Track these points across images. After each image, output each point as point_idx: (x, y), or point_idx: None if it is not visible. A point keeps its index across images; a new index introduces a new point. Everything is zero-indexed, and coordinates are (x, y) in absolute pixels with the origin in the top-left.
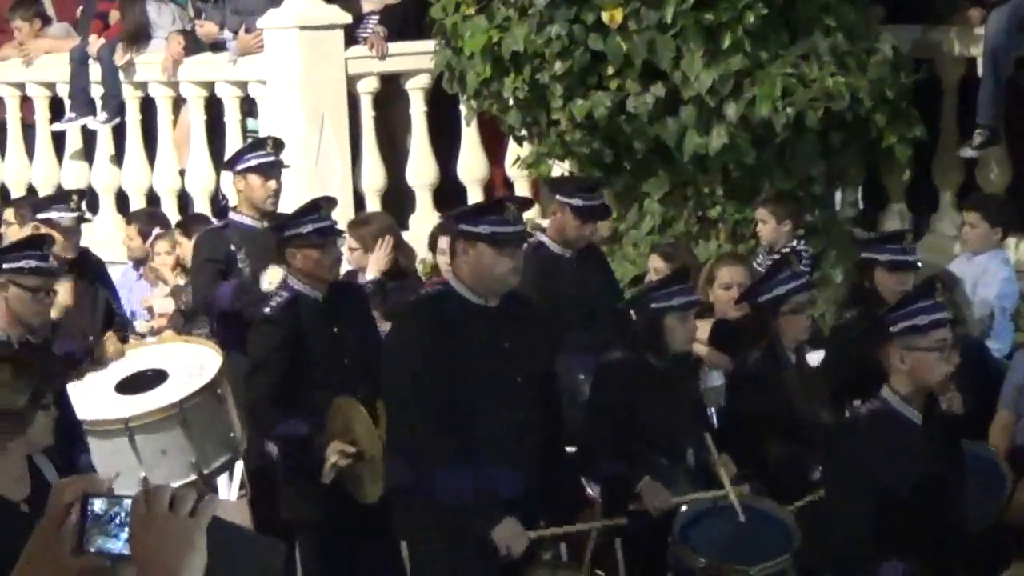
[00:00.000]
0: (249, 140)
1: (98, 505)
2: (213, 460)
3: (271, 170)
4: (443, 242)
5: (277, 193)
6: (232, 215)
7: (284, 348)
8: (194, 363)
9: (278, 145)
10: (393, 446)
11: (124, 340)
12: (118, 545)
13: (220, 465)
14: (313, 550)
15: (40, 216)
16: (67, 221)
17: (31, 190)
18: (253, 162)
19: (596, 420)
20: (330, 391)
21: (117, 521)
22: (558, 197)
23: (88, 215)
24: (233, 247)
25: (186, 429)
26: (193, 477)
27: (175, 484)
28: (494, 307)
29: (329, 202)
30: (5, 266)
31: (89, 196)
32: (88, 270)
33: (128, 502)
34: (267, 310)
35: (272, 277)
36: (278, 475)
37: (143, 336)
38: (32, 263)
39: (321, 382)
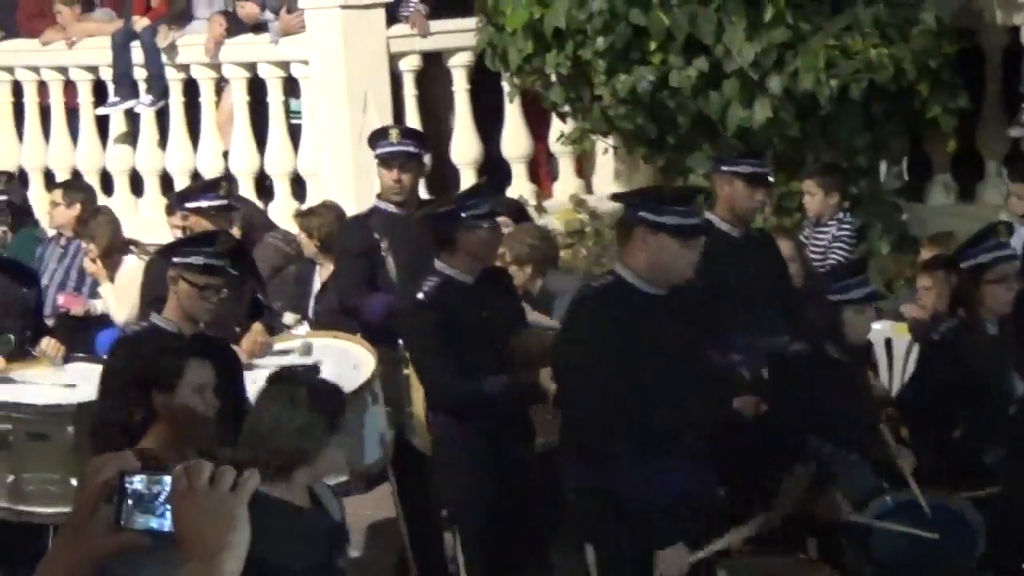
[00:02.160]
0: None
1: (138, 483)
2: (366, 459)
3: (394, 160)
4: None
5: (404, 182)
6: (377, 202)
7: (439, 332)
8: (346, 360)
9: (406, 135)
10: (575, 446)
11: (272, 332)
12: (160, 522)
13: (372, 464)
14: (475, 532)
15: (189, 205)
16: (216, 208)
17: (75, 174)
18: (380, 150)
19: (781, 414)
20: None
21: (159, 498)
22: (723, 168)
23: (236, 204)
24: (376, 235)
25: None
26: (345, 477)
27: (329, 483)
28: (664, 296)
29: (487, 188)
30: (176, 260)
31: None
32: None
33: (168, 479)
34: (420, 295)
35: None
36: (426, 464)
37: (291, 328)
38: (201, 260)
39: (473, 367)
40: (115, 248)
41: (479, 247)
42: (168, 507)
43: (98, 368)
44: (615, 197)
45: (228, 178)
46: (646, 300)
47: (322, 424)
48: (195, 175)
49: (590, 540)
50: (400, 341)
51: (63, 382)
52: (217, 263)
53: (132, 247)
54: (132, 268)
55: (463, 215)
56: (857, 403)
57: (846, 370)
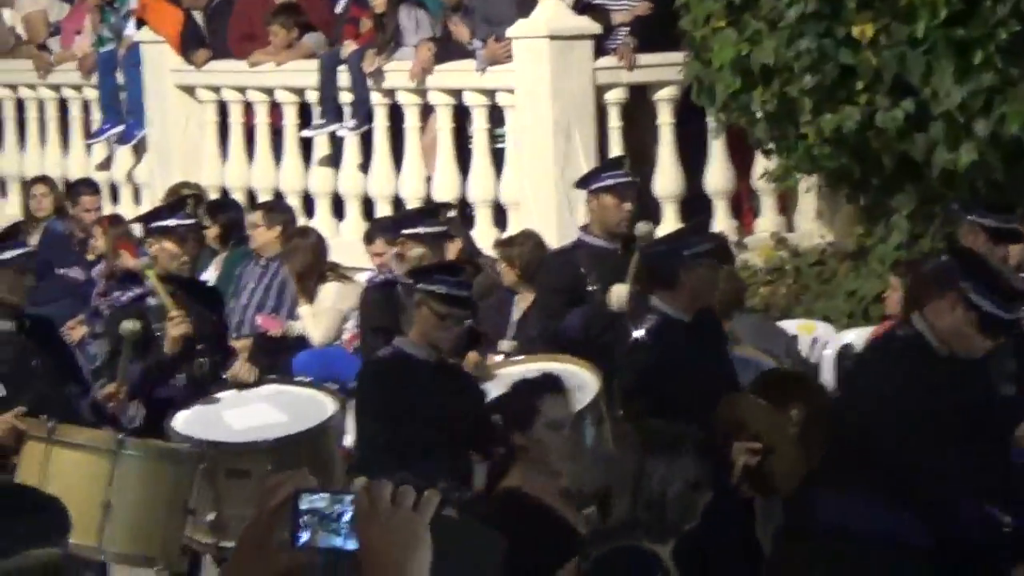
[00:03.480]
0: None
1: (319, 501)
2: (590, 485)
3: (626, 191)
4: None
5: (631, 214)
6: (582, 235)
7: (658, 371)
8: (570, 383)
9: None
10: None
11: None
12: (343, 541)
13: (594, 486)
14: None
15: (406, 231)
16: (433, 235)
17: (278, 194)
18: (609, 181)
19: None
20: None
21: (341, 517)
22: (969, 218)
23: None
24: (583, 270)
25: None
26: None
27: None
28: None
29: (707, 225)
30: (420, 286)
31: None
32: None
33: (350, 498)
34: (638, 333)
35: (618, 295)
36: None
37: (507, 355)
38: (445, 289)
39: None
40: (315, 270)
41: (700, 286)
42: (351, 526)
43: (294, 390)
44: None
45: (446, 206)
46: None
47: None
48: (397, 200)
49: None
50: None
51: (271, 407)
52: (460, 294)
53: (330, 271)
54: (331, 291)
55: (685, 253)
56: None
57: None
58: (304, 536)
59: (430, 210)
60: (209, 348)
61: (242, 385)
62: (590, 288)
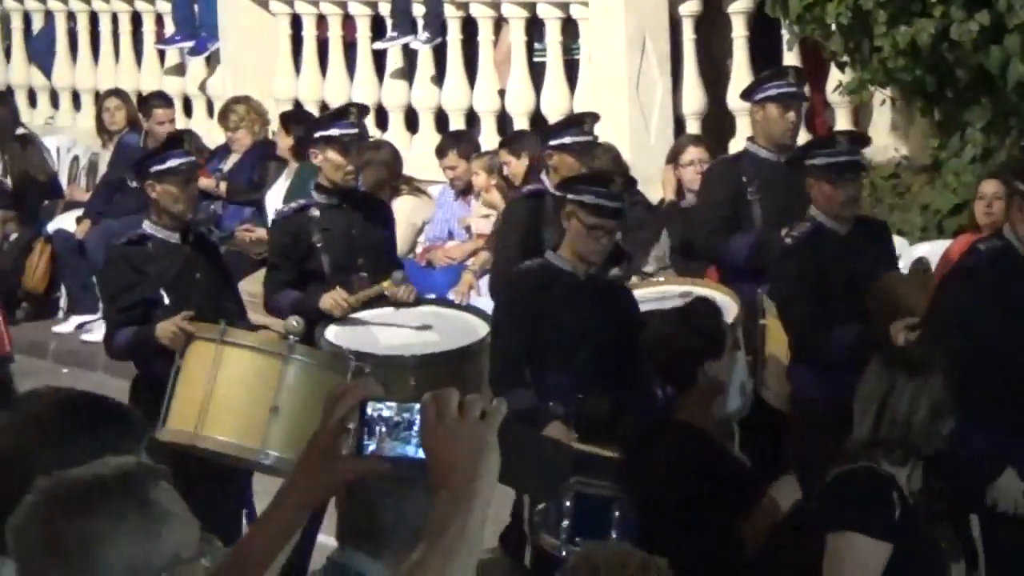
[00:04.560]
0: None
1: (386, 410)
2: (728, 408)
3: (791, 101)
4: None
5: (796, 126)
6: (748, 144)
7: (806, 280)
8: None
9: (799, 76)
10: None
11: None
12: (410, 449)
13: (733, 413)
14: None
15: (553, 142)
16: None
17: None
18: (773, 91)
19: None
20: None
21: (409, 427)
22: None
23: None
24: (745, 179)
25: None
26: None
27: None
28: None
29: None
30: (570, 197)
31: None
32: None
33: (417, 407)
34: (789, 240)
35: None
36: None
37: (647, 276)
38: (594, 199)
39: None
40: (388, 184)
41: (852, 195)
42: (417, 435)
43: (450, 312)
44: None
45: (591, 115)
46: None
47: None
48: (471, 113)
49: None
50: (759, 290)
51: (416, 324)
52: (609, 204)
53: (404, 184)
54: (405, 204)
55: (813, 163)
56: None
57: None
58: (371, 445)
59: (575, 119)
60: (370, 262)
61: (400, 303)
62: (750, 197)
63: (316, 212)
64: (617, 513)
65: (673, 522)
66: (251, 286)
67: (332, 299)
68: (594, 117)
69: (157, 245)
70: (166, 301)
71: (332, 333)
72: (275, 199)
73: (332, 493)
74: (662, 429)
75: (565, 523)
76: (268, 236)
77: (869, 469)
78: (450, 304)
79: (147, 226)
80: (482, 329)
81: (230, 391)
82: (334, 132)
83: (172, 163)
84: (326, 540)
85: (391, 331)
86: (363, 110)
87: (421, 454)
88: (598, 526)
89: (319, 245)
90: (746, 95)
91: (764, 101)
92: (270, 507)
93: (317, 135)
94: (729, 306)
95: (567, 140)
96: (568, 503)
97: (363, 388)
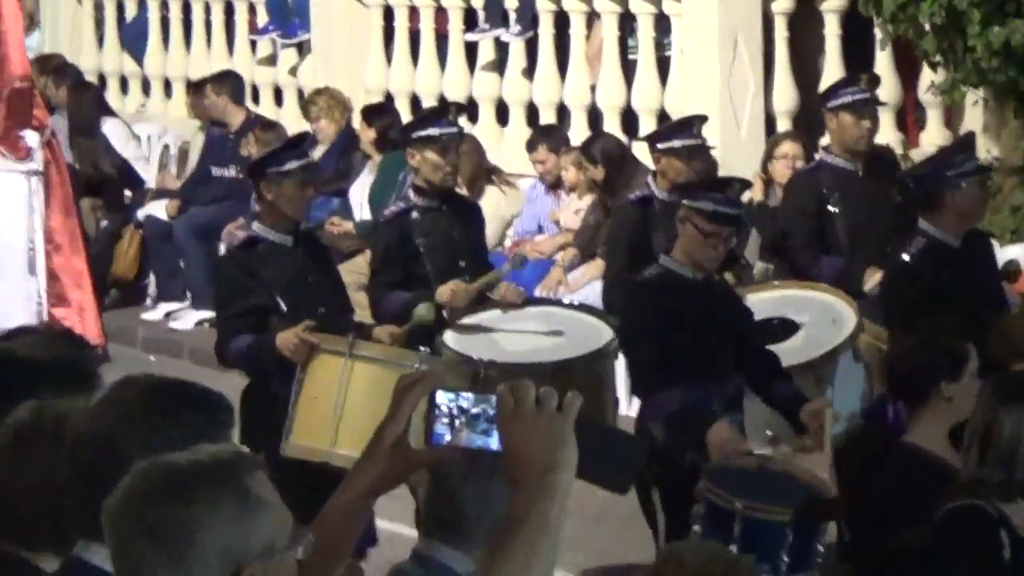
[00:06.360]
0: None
1: (463, 401)
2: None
3: (864, 108)
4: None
5: (871, 132)
6: (823, 155)
7: (925, 296)
8: (826, 315)
9: (873, 81)
10: None
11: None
12: (487, 440)
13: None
14: None
15: (661, 145)
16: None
17: (442, 99)
18: (846, 99)
19: None
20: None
21: (488, 419)
22: None
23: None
24: (825, 190)
25: (820, 386)
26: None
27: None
28: None
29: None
30: (685, 202)
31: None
32: None
33: (493, 398)
34: (906, 257)
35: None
36: None
37: (760, 280)
38: (711, 206)
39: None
40: (478, 176)
41: (967, 206)
42: (494, 426)
43: (561, 312)
44: None
45: (700, 118)
46: None
47: None
48: (561, 107)
49: None
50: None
51: (543, 329)
52: (726, 211)
53: (494, 176)
54: (494, 197)
55: (949, 174)
56: None
57: None
58: (445, 434)
59: (684, 122)
60: (471, 264)
61: (509, 305)
62: (831, 208)
63: (416, 215)
64: (791, 538)
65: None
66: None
67: (451, 289)
68: (702, 120)
69: (269, 248)
70: (283, 308)
71: (452, 339)
72: (359, 192)
73: (400, 481)
74: (890, 451)
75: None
76: (371, 241)
77: (977, 507)
78: (559, 303)
79: (257, 228)
80: (604, 328)
81: (361, 406)
82: (433, 132)
83: (290, 165)
84: (409, 531)
85: (512, 336)
86: (460, 108)
87: (496, 445)
88: (768, 551)
89: (422, 249)
90: (821, 102)
91: (837, 109)
92: (337, 494)
93: (415, 135)
94: (847, 314)
95: (676, 143)
96: (736, 529)
97: (433, 378)
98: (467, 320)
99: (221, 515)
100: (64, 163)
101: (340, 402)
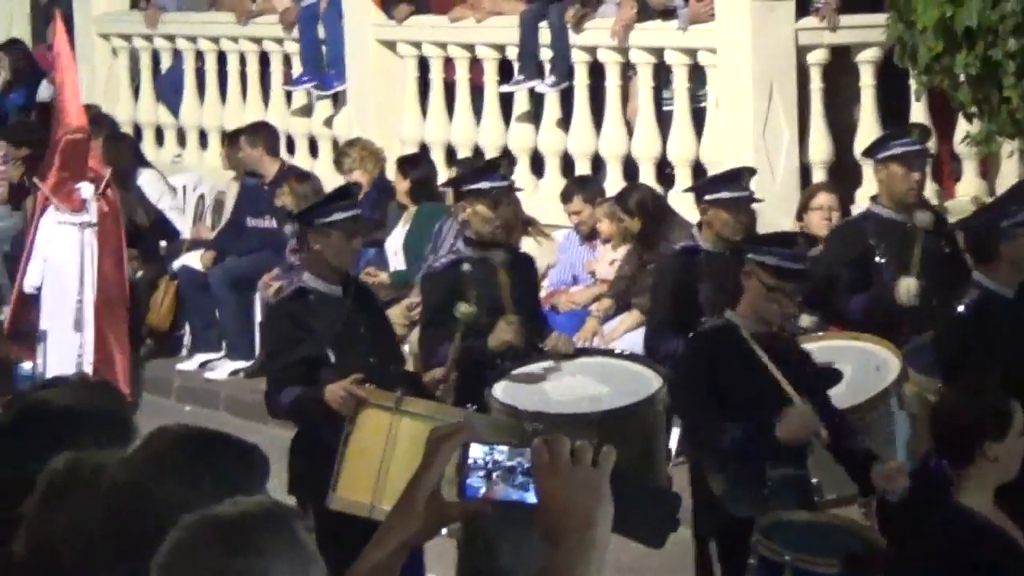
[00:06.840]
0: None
1: (497, 454)
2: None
3: (915, 160)
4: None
5: (920, 184)
6: (871, 205)
7: (979, 347)
8: (869, 363)
9: (924, 133)
10: None
11: None
12: (522, 495)
13: None
14: None
15: (709, 197)
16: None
17: (477, 150)
18: (897, 150)
19: None
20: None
21: (525, 472)
22: None
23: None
24: (872, 241)
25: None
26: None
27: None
28: None
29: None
30: (750, 256)
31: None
32: None
33: (528, 451)
34: (961, 308)
35: (907, 288)
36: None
37: (808, 331)
38: (774, 260)
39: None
40: (514, 227)
41: (1021, 257)
42: (529, 479)
43: (612, 362)
44: None
45: (749, 170)
46: None
47: None
48: (596, 158)
49: None
50: None
51: (592, 379)
52: (791, 266)
53: (529, 227)
54: (529, 248)
55: (1003, 224)
56: None
57: None
58: (481, 487)
59: (732, 174)
60: (523, 315)
61: (559, 356)
62: (878, 260)
63: (468, 267)
64: None
65: None
66: None
67: (513, 328)
68: (751, 172)
69: (319, 299)
70: (332, 359)
71: (500, 392)
72: (394, 243)
73: (433, 535)
74: (937, 509)
75: None
76: (420, 292)
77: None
78: (609, 353)
79: (307, 279)
80: (653, 378)
81: (406, 463)
82: (484, 185)
83: (338, 216)
84: None
85: (561, 385)
86: (512, 161)
87: (532, 499)
88: None
89: (473, 301)
90: (868, 153)
91: (887, 160)
92: (370, 547)
93: (466, 188)
94: (889, 361)
95: (723, 195)
96: None
97: (468, 430)
98: (518, 371)
99: (282, 567)
100: (119, 214)
101: (385, 457)
